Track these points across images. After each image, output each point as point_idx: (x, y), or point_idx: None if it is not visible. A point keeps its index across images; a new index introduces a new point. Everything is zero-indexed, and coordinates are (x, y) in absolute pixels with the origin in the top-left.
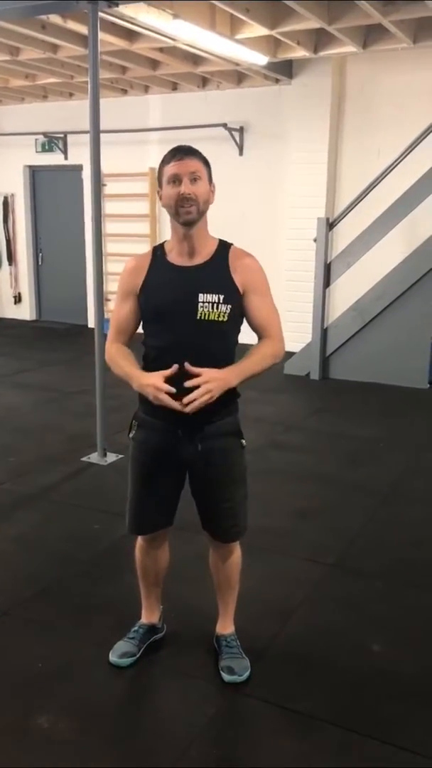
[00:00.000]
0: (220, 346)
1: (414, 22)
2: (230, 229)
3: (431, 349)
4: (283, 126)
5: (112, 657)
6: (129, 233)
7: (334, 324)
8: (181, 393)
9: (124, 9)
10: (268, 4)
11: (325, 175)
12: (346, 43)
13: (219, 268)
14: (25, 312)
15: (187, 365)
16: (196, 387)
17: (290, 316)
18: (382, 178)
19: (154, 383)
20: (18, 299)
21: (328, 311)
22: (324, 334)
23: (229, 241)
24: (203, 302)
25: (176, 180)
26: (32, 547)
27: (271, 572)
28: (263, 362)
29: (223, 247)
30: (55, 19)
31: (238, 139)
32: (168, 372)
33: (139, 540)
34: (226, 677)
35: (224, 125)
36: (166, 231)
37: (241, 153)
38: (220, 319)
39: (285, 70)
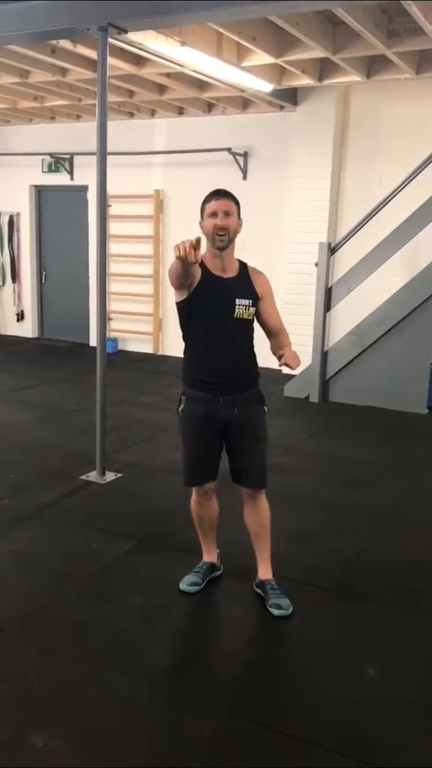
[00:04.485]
0: (246, 336)
1: (417, 53)
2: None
3: (430, 374)
4: (287, 152)
5: (182, 585)
6: (132, 254)
7: (334, 347)
8: (219, 387)
9: (133, 35)
10: (274, 33)
11: (328, 200)
12: (350, 72)
13: (246, 280)
14: (28, 329)
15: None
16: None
17: (290, 338)
18: (384, 205)
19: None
20: (21, 317)
21: (328, 335)
22: (324, 357)
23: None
24: (239, 305)
25: (214, 215)
26: (29, 565)
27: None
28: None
29: (244, 265)
30: (64, 43)
31: (242, 163)
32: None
33: (194, 495)
34: (276, 612)
35: (229, 150)
36: (169, 252)
37: (245, 177)
38: (249, 317)
39: (290, 97)
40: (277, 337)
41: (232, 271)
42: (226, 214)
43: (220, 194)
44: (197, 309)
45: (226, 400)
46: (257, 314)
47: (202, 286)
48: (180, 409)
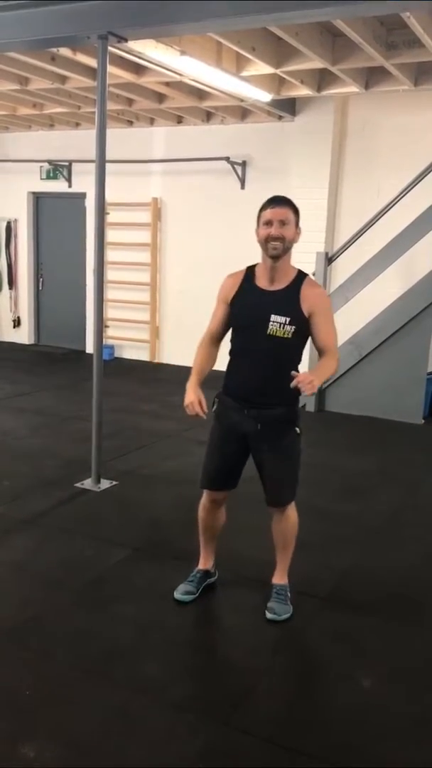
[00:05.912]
0: (283, 355)
1: (415, 65)
2: (231, 260)
3: (427, 384)
4: (285, 161)
5: (177, 594)
6: (130, 261)
7: None
8: (246, 400)
9: (133, 44)
10: (273, 44)
11: (325, 210)
12: (348, 83)
13: (291, 296)
14: (24, 336)
15: (293, 373)
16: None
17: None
18: (381, 215)
19: (194, 400)
20: (17, 323)
21: None
22: None
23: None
24: (273, 321)
25: (269, 223)
26: (24, 573)
27: (263, 604)
28: (332, 367)
29: (300, 277)
30: (64, 51)
31: (240, 173)
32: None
33: (204, 499)
34: (268, 615)
35: (227, 159)
36: (167, 260)
37: (243, 187)
38: (285, 336)
39: (288, 107)
40: (321, 356)
41: (281, 284)
42: (282, 223)
43: (277, 201)
44: (233, 320)
45: (251, 413)
46: (311, 333)
47: (239, 297)
48: (213, 408)
